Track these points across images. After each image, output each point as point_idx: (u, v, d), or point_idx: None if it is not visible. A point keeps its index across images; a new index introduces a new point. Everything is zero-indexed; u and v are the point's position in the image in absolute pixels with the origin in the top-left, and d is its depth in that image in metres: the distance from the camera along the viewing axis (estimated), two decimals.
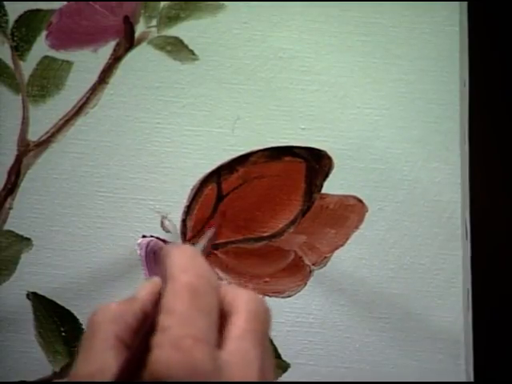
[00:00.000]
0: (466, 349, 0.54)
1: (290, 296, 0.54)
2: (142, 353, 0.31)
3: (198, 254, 0.34)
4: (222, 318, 0.33)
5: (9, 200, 0.54)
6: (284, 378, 0.54)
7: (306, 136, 0.54)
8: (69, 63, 0.54)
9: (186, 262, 0.33)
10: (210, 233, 0.51)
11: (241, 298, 0.33)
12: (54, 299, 0.54)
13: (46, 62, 0.54)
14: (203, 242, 0.49)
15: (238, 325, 0.32)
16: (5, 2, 0.54)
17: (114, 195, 0.54)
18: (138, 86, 0.54)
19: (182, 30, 0.54)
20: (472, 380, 0.54)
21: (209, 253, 0.53)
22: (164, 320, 0.31)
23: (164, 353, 0.30)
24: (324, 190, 0.54)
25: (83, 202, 0.54)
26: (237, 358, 0.31)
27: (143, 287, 0.34)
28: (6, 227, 0.54)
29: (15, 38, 0.54)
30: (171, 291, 0.32)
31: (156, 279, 0.35)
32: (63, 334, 0.54)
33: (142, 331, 0.32)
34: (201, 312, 0.31)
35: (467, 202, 0.54)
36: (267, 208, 0.53)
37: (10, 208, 0.54)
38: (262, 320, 0.33)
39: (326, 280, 0.54)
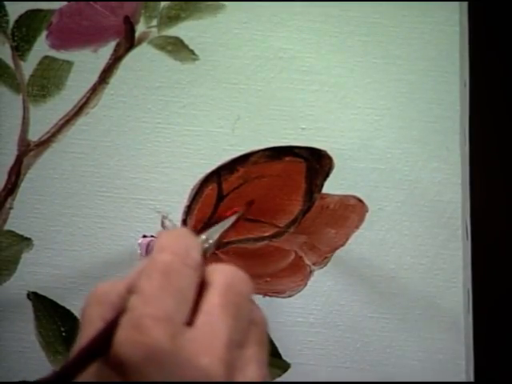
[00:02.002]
0: (466, 349, 0.54)
1: (290, 296, 0.54)
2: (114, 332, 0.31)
3: (183, 234, 0.34)
4: (202, 295, 0.32)
5: (9, 200, 0.54)
6: (284, 378, 0.54)
7: (307, 136, 0.54)
8: (69, 63, 0.54)
9: (166, 242, 0.33)
10: (234, 217, 0.50)
11: (217, 272, 0.33)
12: (54, 299, 0.54)
13: (47, 62, 0.54)
14: (224, 225, 0.48)
15: (209, 299, 0.31)
16: (5, 2, 0.54)
17: (113, 195, 0.54)
18: (138, 86, 0.54)
19: (182, 30, 0.54)
20: (472, 380, 0.54)
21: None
22: (131, 300, 0.31)
23: (124, 333, 0.30)
24: (324, 190, 0.54)
25: (83, 201, 0.54)
26: (202, 333, 0.30)
27: (137, 265, 0.34)
28: (7, 227, 0.54)
29: (16, 38, 0.54)
30: (145, 271, 0.32)
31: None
32: (63, 334, 0.54)
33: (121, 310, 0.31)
34: (169, 291, 0.31)
35: (467, 202, 0.54)
36: (267, 208, 0.53)
37: (11, 208, 0.54)
38: (236, 292, 0.32)
39: (327, 280, 0.54)
